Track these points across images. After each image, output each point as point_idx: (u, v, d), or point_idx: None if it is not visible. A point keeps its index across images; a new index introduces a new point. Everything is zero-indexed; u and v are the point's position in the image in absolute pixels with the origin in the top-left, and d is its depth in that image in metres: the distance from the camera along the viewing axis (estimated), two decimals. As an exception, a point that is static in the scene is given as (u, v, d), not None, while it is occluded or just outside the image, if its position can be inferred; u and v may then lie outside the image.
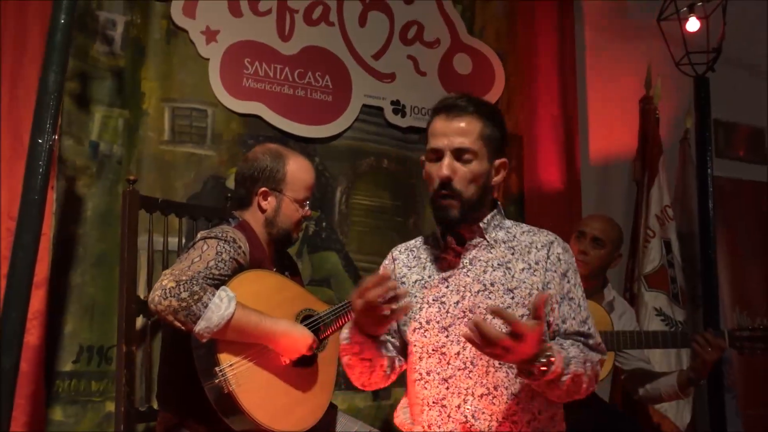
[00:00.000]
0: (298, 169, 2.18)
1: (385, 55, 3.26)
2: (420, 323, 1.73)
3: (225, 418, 1.88)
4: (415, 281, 1.78)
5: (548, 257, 1.72)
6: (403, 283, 1.79)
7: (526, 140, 3.51)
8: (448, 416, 1.66)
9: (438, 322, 1.70)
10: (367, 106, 3.20)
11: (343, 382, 2.94)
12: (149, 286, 2.40)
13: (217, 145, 2.89)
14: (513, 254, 1.73)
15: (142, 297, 2.36)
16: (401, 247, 1.90)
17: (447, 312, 1.70)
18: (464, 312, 1.69)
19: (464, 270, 1.74)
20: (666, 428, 3.27)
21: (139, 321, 2.38)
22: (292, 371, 1.99)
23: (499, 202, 1.82)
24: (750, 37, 4.16)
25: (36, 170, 2.08)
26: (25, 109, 2.39)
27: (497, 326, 1.48)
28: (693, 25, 3.53)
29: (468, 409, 1.65)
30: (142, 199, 2.36)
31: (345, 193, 3.13)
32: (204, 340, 1.84)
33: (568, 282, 1.72)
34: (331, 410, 2.19)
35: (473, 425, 1.64)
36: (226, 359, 1.87)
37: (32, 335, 2.39)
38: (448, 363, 1.68)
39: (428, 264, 1.80)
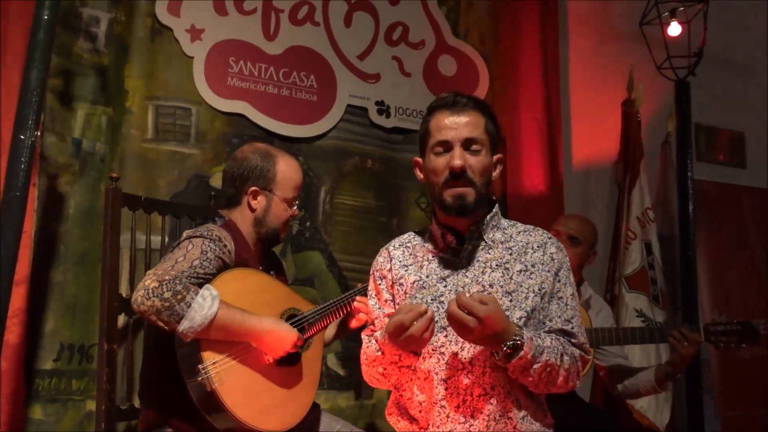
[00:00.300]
0: (287, 169, 2.17)
1: (370, 55, 3.27)
2: None
3: (208, 416, 1.87)
4: (414, 282, 1.78)
5: (543, 258, 1.74)
6: (401, 284, 1.80)
7: (509, 143, 3.52)
8: (447, 416, 1.67)
9: (436, 323, 1.69)
10: (352, 106, 3.20)
11: (325, 382, 2.96)
12: (131, 285, 2.39)
13: (201, 144, 2.88)
14: (511, 254, 1.75)
15: (124, 295, 2.35)
16: (395, 242, 1.90)
17: (445, 312, 1.71)
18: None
19: (463, 270, 1.75)
20: (646, 426, 3.30)
21: (121, 319, 2.37)
22: (275, 370, 1.98)
23: (497, 203, 1.84)
24: (731, 41, 4.22)
25: (18, 167, 2.06)
26: (7, 107, 2.36)
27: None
28: (675, 29, 3.59)
29: (467, 408, 1.66)
30: (125, 197, 2.35)
31: (329, 192, 3.13)
32: (188, 340, 1.83)
33: (559, 281, 1.74)
34: (315, 409, 2.18)
35: (472, 425, 1.65)
36: (209, 357, 1.85)
37: (12, 333, 2.37)
38: (447, 363, 1.68)
39: (425, 263, 1.80)
